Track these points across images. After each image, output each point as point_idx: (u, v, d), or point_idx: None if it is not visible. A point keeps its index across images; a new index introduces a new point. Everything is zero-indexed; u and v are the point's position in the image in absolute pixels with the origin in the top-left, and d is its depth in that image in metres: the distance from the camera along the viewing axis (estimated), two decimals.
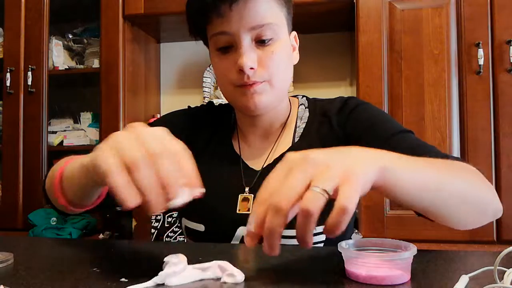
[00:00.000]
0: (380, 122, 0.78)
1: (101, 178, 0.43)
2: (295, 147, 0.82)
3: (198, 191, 0.44)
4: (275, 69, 0.75)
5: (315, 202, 0.40)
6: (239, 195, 0.81)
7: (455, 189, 0.55)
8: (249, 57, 0.73)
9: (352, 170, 0.42)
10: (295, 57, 0.85)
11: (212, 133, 0.90)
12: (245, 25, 0.72)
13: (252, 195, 0.80)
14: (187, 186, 0.43)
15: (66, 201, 0.63)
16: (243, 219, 0.75)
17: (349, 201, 0.39)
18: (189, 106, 0.96)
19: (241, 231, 0.78)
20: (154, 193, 0.42)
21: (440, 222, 0.59)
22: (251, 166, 0.84)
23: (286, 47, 0.78)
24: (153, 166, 0.42)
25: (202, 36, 0.81)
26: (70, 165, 0.62)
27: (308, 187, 0.41)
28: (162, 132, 0.46)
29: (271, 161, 0.82)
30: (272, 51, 0.75)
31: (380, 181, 0.46)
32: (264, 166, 0.82)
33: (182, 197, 0.43)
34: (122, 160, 0.42)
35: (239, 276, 0.46)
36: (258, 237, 0.43)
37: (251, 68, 0.73)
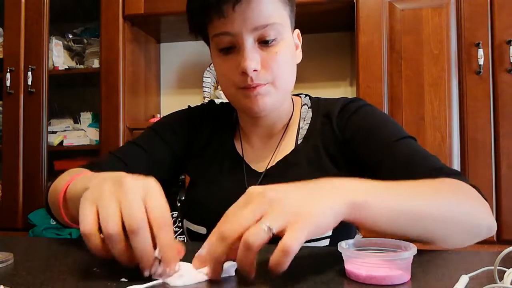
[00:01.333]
0: (381, 126, 0.76)
1: None
2: (298, 149, 0.81)
3: (173, 267, 0.45)
4: (279, 71, 0.73)
5: (256, 237, 0.41)
6: None
7: (441, 214, 0.54)
8: (252, 59, 0.70)
9: (306, 212, 0.43)
10: (298, 56, 0.83)
11: (213, 133, 0.88)
12: (248, 25, 0.70)
13: None
14: (162, 260, 0.44)
15: (70, 219, 0.64)
16: None
17: (291, 243, 0.40)
18: (189, 106, 0.94)
19: None
20: (125, 261, 0.45)
21: (429, 244, 0.58)
22: (254, 168, 0.82)
23: (289, 47, 0.76)
24: (126, 241, 0.44)
25: (203, 36, 0.79)
26: (72, 185, 0.61)
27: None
28: (149, 190, 0.46)
29: (274, 163, 0.80)
30: (276, 52, 0.73)
31: (350, 217, 0.47)
32: (268, 168, 0.80)
33: (155, 268, 0.45)
34: (100, 225, 0.44)
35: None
36: (205, 262, 0.45)
37: (254, 70, 0.71)
